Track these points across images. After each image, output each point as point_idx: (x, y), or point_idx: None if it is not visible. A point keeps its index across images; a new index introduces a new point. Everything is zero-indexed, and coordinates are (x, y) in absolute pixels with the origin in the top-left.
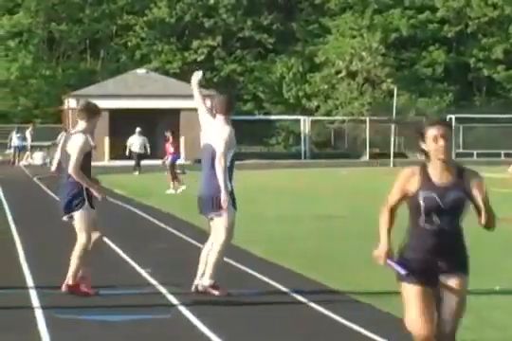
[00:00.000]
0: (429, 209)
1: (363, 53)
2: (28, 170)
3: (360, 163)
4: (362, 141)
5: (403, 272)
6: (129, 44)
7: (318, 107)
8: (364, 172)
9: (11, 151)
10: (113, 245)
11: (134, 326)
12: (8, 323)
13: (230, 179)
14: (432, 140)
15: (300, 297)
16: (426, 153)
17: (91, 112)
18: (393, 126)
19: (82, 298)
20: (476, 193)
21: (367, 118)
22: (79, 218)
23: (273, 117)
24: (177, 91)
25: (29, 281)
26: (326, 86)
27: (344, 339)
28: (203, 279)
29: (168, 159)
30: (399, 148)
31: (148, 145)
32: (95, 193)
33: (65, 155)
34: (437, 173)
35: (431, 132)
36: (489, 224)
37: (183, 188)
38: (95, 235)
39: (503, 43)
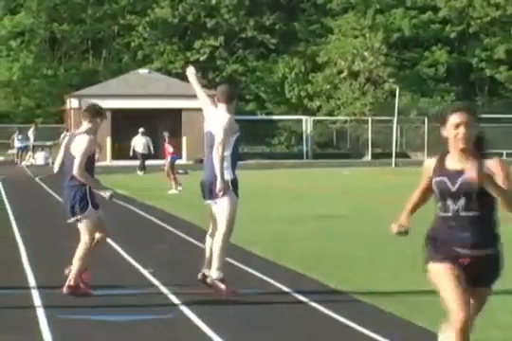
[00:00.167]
0: (443, 194)
1: (365, 53)
2: (30, 170)
3: (362, 163)
4: (364, 141)
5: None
6: (131, 44)
7: (320, 107)
8: (366, 172)
9: (14, 151)
10: (115, 245)
11: (135, 326)
12: (9, 323)
13: (234, 166)
14: (453, 127)
15: (301, 297)
16: (446, 141)
17: (96, 113)
18: (395, 126)
19: (84, 298)
20: (497, 172)
21: (369, 118)
22: (83, 220)
23: (275, 118)
24: (179, 91)
25: (31, 281)
26: (328, 86)
27: (346, 339)
28: (211, 272)
29: (168, 159)
30: (401, 148)
31: (151, 145)
32: (101, 193)
33: (69, 156)
34: (454, 160)
35: (453, 119)
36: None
37: (180, 188)
38: (98, 235)
39: (506, 43)
